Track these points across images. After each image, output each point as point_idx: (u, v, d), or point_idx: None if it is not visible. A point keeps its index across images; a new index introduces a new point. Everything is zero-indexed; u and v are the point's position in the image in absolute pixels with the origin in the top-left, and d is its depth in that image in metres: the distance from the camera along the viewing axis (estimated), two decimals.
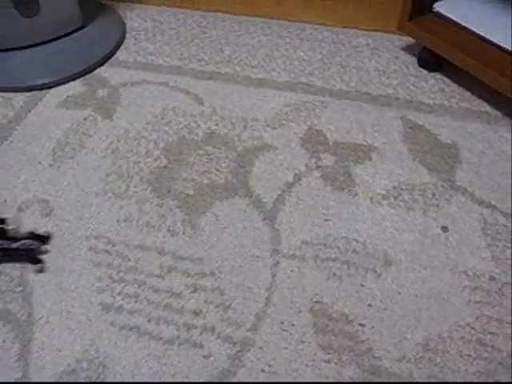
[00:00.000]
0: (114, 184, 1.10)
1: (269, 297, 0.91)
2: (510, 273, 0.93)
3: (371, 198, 1.05)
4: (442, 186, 1.07)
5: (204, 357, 0.84)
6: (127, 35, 1.53)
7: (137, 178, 1.11)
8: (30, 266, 0.96)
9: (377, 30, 1.50)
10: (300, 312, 0.89)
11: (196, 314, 0.89)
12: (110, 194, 1.08)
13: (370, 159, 1.13)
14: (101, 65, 1.42)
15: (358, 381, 0.81)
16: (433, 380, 0.81)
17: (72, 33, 1.47)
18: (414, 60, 1.39)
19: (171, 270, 0.95)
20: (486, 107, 1.24)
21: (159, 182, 1.10)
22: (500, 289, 0.91)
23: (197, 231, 1.01)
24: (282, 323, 0.88)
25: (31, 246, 0.97)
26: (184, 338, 0.86)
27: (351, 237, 0.99)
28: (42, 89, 1.35)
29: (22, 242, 0.96)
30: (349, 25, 1.53)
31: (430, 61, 1.34)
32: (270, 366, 0.83)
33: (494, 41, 1.20)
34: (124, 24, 1.56)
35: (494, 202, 1.04)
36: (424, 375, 0.81)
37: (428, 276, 0.93)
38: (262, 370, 0.82)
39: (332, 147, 1.16)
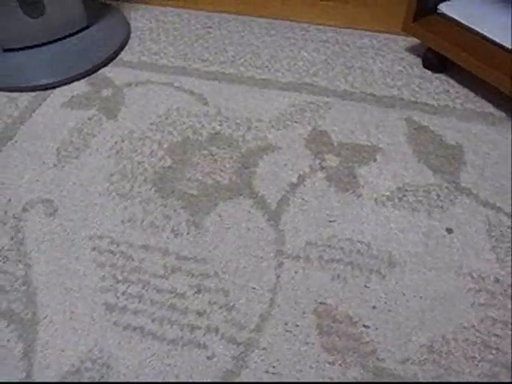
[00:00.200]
0: (118, 184, 1.10)
1: (273, 298, 0.91)
2: None
3: (376, 199, 1.05)
4: (447, 187, 1.07)
5: (208, 357, 0.84)
6: (132, 35, 1.53)
7: (141, 178, 1.11)
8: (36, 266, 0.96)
9: (381, 31, 1.50)
10: (304, 313, 0.89)
11: (200, 314, 0.89)
12: (114, 194, 1.08)
13: (375, 160, 1.13)
14: (105, 65, 1.42)
15: (362, 381, 0.81)
16: (437, 381, 0.81)
17: (77, 33, 1.47)
18: (419, 61, 1.38)
19: (175, 270, 0.95)
20: (491, 108, 1.24)
21: (163, 182, 1.10)
22: (505, 291, 0.91)
23: (201, 232, 1.01)
24: (286, 324, 0.87)
25: None
26: (188, 338, 0.86)
27: (355, 238, 0.99)
28: (46, 89, 1.35)
29: None
30: (353, 25, 1.53)
31: (434, 62, 1.34)
32: (273, 367, 0.83)
33: (499, 42, 1.20)
34: (128, 24, 1.56)
35: (498, 204, 1.04)
36: (428, 377, 0.81)
37: (432, 278, 0.93)
38: (266, 371, 0.82)
39: (336, 148, 1.16)
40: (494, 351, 0.84)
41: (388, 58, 1.40)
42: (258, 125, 1.22)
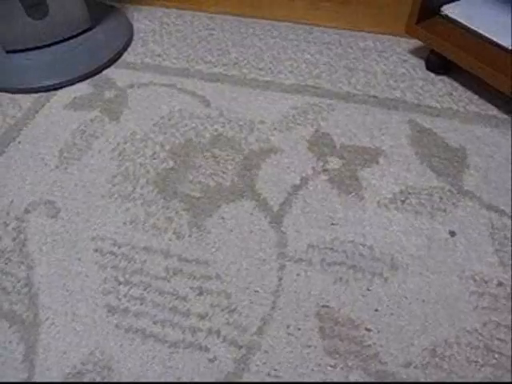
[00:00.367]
0: (121, 186, 1.10)
1: (275, 300, 0.90)
2: None
3: (378, 202, 1.05)
4: (450, 190, 1.06)
5: (209, 360, 0.84)
6: (134, 37, 1.53)
7: (143, 180, 1.11)
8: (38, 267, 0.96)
9: (384, 33, 1.50)
10: (306, 316, 0.88)
11: (201, 317, 0.89)
12: (116, 195, 1.08)
13: (377, 163, 1.13)
14: (108, 66, 1.42)
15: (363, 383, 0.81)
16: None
17: (80, 34, 1.47)
18: (422, 63, 1.38)
19: (177, 272, 0.95)
20: (495, 111, 1.24)
21: (165, 184, 1.10)
22: (508, 294, 0.90)
23: (203, 234, 1.01)
24: (287, 327, 0.87)
25: None
26: (189, 341, 0.86)
27: (358, 241, 0.98)
28: (49, 90, 1.35)
29: None
30: (356, 27, 1.52)
31: (437, 64, 1.34)
32: (275, 370, 0.82)
33: (502, 43, 1.20)
34: (131, 26, 1.57)
35: (502, 207, 1.03)
36: (430, 381, 0.81)
37: (435, 281, 0.92)
38: (268, 374, 0.82)
39: (339, 150, 1.15)
40: (496, 355, 0.83)
41: (391, 60, 1.40)
42: (260, 127, 1.22)
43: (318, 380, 0.81)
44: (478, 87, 1.28)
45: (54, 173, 1.14)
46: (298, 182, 1.09)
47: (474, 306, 0.89)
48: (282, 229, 1.01)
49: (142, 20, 1.60)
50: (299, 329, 0.87)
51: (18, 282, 0.95)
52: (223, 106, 1.28)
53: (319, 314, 0.89)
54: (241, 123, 1.23)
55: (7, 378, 0.83)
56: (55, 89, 1.35)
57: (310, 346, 0.85)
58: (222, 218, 1.03)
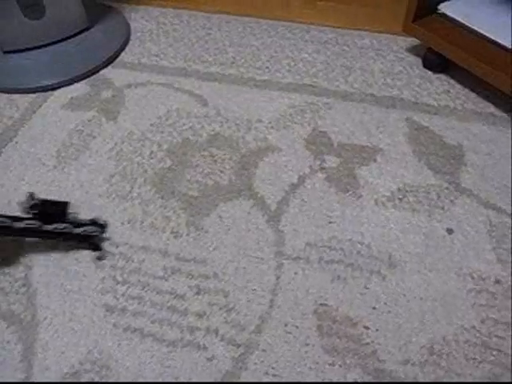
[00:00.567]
0: (118, 185, 1.10)
1: (273, 299, 0.90)
2: None
3: (376, 200, 1.05)
4: (447, 187, 1.07)
5: (207, 359, 0.84)
6: (132, 37, 1.53)
7: (141, 180, 1.11)
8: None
9: (381, 32, 1.50)
10: (304, 314, 0.88)
11: (200, 316, 0.89)
12: (114, 195, 1.08)
13: (375, 161, 1.13)
14: (105, 66, 1.42)
15: (362, 382, 0.81)
16: (437, 381, 0.80)
17: (77, 34, 1.47)
18: (419, 61, 1.38)
19: (175, 271, 0.95)
20: (492, 109, 1.24)
21: (163, 183, 1.10)
22: (506, 292, 0.90)
23: (201, 233, 1.01)
24: (285, 326, 0.87)
25: (93, 233, 0.96)
26: (187, 340, 0.86)
27: (356, 239, 0.98)
28: (46, 90, 1.35)
29: (85, 228, 0.95)
30: (353, 26, 1.53)
31: (434, 62, 1.34)
32: (273, 368, 0.82)
33: (499, 42, 1.20)
34: (128, 25, 1.56)
35: (499, 204, 1.03)
36: (429, 378, 0.81)
37: (433, 278, 0.92)
38: (266, 373, 0.82)
39: (336, 149, 1.15)
40: (494, 352, 0.83)
41: (388, 59, 1.40)
42: (257, 126, 1.22)
43: (316, 378, 0.81)
44: (475, 85, 1.28)
45: (51, 173, 1.14)
46: (295, 180, 1.09)
47: (471, 304, 0.89)
48: (280, 227, 1.01)
49: (139, 20, 1.60)
50: (297, 327, 0.87)
51: (16, 281, 0.95)
52: (220, 105, 1.28)
53: (317, 313, 0.89)
54: (238, 122, 1.23)
55: (5, 377, 0.83)
56: (52, 89, 1.35)
57: (308, 345, 0.85)
58: (220, 216, 1.03)
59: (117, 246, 0.99)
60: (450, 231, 0.99)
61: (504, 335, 0.85)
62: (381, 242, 0.98)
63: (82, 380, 0.82)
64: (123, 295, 0.92)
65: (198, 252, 0.98)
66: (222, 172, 1.11)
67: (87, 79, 1.38)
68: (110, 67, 1.42)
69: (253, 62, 1.41)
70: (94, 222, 0.96)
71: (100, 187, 1.10)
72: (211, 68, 1.40)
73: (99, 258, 0.97)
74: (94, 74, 1.40)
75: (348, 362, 0.83)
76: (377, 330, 0.86)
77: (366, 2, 1.62)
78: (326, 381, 0.81)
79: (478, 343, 0.84)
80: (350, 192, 1.06)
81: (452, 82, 1.32)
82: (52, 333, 0.88)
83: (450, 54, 1.25)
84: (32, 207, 0.92)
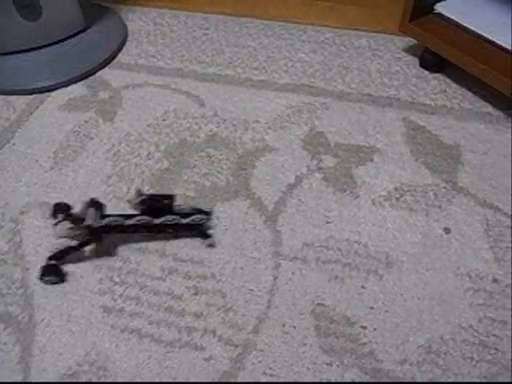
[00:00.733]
0: (116, 186, 1.10)
1: (270, 299, 0.90)
2: None
3: (373, 200, 1.05)
4: (445, 187, 1.07)
5: (205, 359, 0.84)
6: (129, 38, 1.53)
7: (138, 181, 1.11)
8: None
9: (378, 31, 1.50)
10: (301, 314, 0.88)
11: (197, 316, 0.89)
12: (111, 196, 1.08)
13: (372, 161, 1.13)
14: (102, 67, 1.42)
15: (359, 382, 0.81)
16: (435, 381, 0.80)
17: (74, 36, 1.47)
18: (416, 61, 1.38)
19: (172, 272, 0.95)
20: (489, 108, 1.24)
21: (160, 184, 1.10)
22: (503, 291, 0.90)
23: None
24: (283, 326, 0.87)
25: (200, 221, 0.97)
26: (185, 340, 0.86)
27: (353, 239, 0.98)
28: (43, 91, 1.35)
29: (192, 217, 0.96)
30: (350, 26, 1.53)
31: (431, 62, 1.34)
32: (271, 368, 0.82)
33: (495, 41, 1.20)
34: (125, 26, 1.57)
35: (496, 203, 1.03)
36: (426, 378, 0.81)
37: (430, 278, 0.92)
38: (264, 373, 0.82)
39: (333, 149, 1.15)
40: (492, 351, 0.83)
41: (385, 59, 1.40)
42: (255, 126, 1.22)
43: (314, 378, 0.81)
44: (471, 84, 1.28)
45: (48, 174, 1.14)
46: (292, 180, 1.09)
47: (469, 303, 0.89)
48: (277, 227, 1.01)
49: (136, 21, 1.60)
50: (295, 327, 0.87)
51: (14, 283, 0.95)
52: (218, 105, 1.28)
53: (314, 312, 0.89)
54: (235, 123, 1.23)
55: (3, 379, 0.83)
56: (49, 90, 1.35)
57: (305, 344, 0.85)
58: (217, 217, 1.03)
59: (114, 248, 0.99)
60: (447, 230, 0.99)
61: (501, 334, 0.85)
62: (378, 242, 0.98)
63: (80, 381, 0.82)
64: (121, 296, 0.92)
65: (196, 252, 0.98)
66: (219, 172, 1.11)
67: (84, 80, 1.38)
68: (107, 68, 1.42)
69: (250, 63, 1.41)
70: (199, 211, 0.97)
71: (97, 188, 1.10)
72: (208, 69, 1.40)
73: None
74: (91, 75, 1.40)
75: (345, 361, 0.83)
76: (374, 329, 0.86)
77: (362, 2, 1.62)
78: (324, 381, 0.81)
79: (476, 342, 0.84)
80: (348, 192, 1.06)
81: (449, 81, 1.32)
82: (49, 334, 0.88)
83: (447, 53, 1.25)
84: (141, 203, 0.94)
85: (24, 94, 1.35)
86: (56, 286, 0.94)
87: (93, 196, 1.06)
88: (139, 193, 0.95)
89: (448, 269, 0.94)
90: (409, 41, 1.43)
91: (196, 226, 0.98)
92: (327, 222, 1.01)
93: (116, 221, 0.94)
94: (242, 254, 0.97)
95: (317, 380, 0.81)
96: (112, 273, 0.95)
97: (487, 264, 0.94)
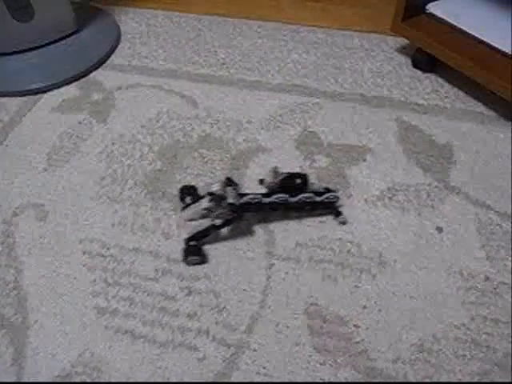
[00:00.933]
0: (109, 188, 1.10)
1: (263, 299, 0.91)
2: (504, 273, 0.93)
3: (366, 199, 1.05)
4: (437, 186, 1.07)
5: (199, 360, 0.84)
6: (122, 39, 1.53)
7: (131, 182, 1.11)
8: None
9: (371, 32, 1.50)
10: (295, 314, 0.89)
11: (190, 316, 0.89)
12: (104, 197, 1.08)
13: (365, 160, 1.13)
14: (95, 68, 1.42)
15: (353, 381, 0.81)
16: (427, 380, 0.81)
17: (67, 37, 1.47)
18: (408, 61, 1.39)
19: (166, 272, 0.95)
20: (481, 107, 1.24)
21: (154, 185, 1.10)
22: (495, 289, 0.91)
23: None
24: (276, 325, 0.87)
25: (333, 200, 1.00)
26: (179, 340, 0.86)
27: (346, 238, 0.99)
28: (36, 93, 1.35)
29: (326, 195, 0.99)
30: (343, 26, 1.53)
31: (423, 61, 1.34)
32: (264, 368, 0.83)
33: (487, 41, 1.21)
34: (118, 28, 1.56)
35: (488, 202, 1.04)
36: (419, 376, 0.81)
37: (423, 277, 0.93)
38: (257, 373, 0.82)
39: (326, 149, 1.16)
40: (484, 349, 0.84)
41: (378, 59, 1.41)
42: (248, 126, 1.22)
43: (307, 377, 0.81)
44: (464, 84, 1.29)
45: (41, 176, 1.13)
46: None
47: (461, 301, 0.89)
48: (270, 227, 1.01)
49: (129, 22, 1.60)
50: (288, 327, 0.87)
51: (7, 285, 0.95)
52: (211, 106, 1.28)
53: (308, 312, 0.89)
54: (228, 123, 1.23)
55: None
56: (42, 92, 1.35)
57: (298, 344, 0.85)
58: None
59: (108, 249, 0.99)
60: (439, 229, 1.00)
61: (493, 332, 0.86)
62: (371, 241, 0.98)
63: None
64: (114, 297, 0.92)
65: None
66: (212, 173, 1.12)
67: (77, 82, 1.38)
68: (100, 69, 1.42)
69: (243, 63, 1.41)
70: (328, 190, 1.00)
71: (91, 189, 1.10)
72: (201, 69, 1.40)
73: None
74: (84, 76, 1.40)
75: (339, 360, 0.83)
76: (367, 328, 0.87)
77: (355, 3, 1.63)
78: (318, 380, 0.81)
79: (468, 340, 0.85)
80: (340, 191, 1.06)
81: (441, 81, 1.33)
82: (43, 336, 0.88)
83: (439, 53, 1.25)
84: (280, 182, 0.96)
85: (17, 96, 1.35)
86: (49, 287, 0.94)
87: (86, 197, 1.06)
88: (276, 171, 0.97)
89: (440, 267, 0.94)
90: (401, 41, 1.43)
91: (329, 204, 1.00)
92: (320, 222, 1.02)
93: (255, 199, 0.96)
94: (235, 254, 0.97)
95: (310, 379, 0.81)
96: (105, 274, 0.95)
97: (479, 262, 0.95)
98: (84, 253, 0.99)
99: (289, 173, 0.99)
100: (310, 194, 0.98)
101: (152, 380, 0.82)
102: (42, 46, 1.43)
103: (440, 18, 1.29)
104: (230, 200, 0.92)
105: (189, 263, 0.95)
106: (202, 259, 0.95)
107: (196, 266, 0.95)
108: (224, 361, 0.84)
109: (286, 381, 0.81)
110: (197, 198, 0.99)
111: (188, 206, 0.99)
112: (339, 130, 1.20)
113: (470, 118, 1.22)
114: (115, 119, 1.26)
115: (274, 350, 0.85)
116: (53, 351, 0.86)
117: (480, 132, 1.18)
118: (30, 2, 1.34)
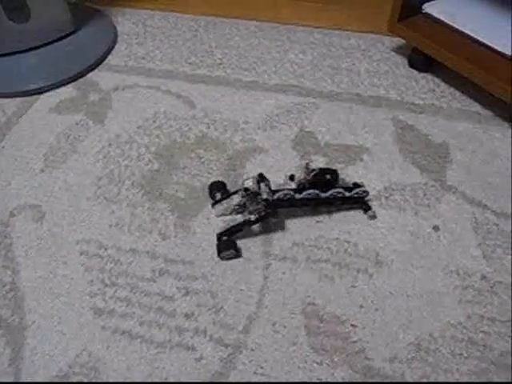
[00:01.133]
0: (106, 188, 1.10)
1: (260, 299, 0.91)
2: (501, 272, 0.93)
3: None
4: (433, 185, 1.07)
5: (196, 360, 0.84)
6: (118, 39, 1.53)
7: (128, 182, 1.11)
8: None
9: (367, 32, 1.51)
10: (292, 314, 0.89)
11: (188, 316, 0.89)
12: (101, 198, 1.08)
13: (361, 160, 1.13)
14: (92, 69, 1.42)
15: (350, 381, 0.81)
16: (425, 380, 0.81)
17: (63, 38, 1.47)
18: (405, 61, 1.39)
19: (163, 273, 0.95)
20: (477, 107, 1.25)
21: (151, 185, 1.10)
22: (491, 287, 0.91)
23: (188, 234, 1.01)
24: (273, 325, 0.88)
25: (362, 195, 1.02)
26: (176, 341, 0.86)
27: (342, 238, 0.99)
28: (33, 94, 1.35)
29: (356, 190, 1.01)
30: (339, 27, 1.53)
31: (420, 61, 1.35)
32: (262, 368, 0.83)
33: (483, 41, 1.21)
34: (115, 28, 1.56)
35: (484, 201, 1.04)
36: (416, 375, 0.81)
37: (419, 276, 0.93)
38: (255, 372, 0.82)
39: (323, 149, 1.16)
40: (481, 348, 0.84)
41: (374, 59, 1.41)
42: (244, 127, 1.22)
43: (305, 377, 0.82)
44: (460, 84, 1.29)
45: (38, 176, 1.13)
46: (282, 181, 1.09)
47: (458, 300, 0.90)
48: (267, 227, 1.01)
49: (125, 23, 1.60)
50: (285, 326, 0.87)
51: (4, 286, 0.95)
52: (207, 106, 1.28)
53: (305, 312, 0.89)
54: (225, 123, 1.23)
55: None
56: (39, 92, 1.35)
57: (296, 344, 0.85)
58: (207, 218, 1.03)
59: (105, 249, 0.99)
60: (436, 229, 1.00)
61: (490, 331, 0.86)
62: (368, 241, 0.98)
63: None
64: (111, 298, 0.92)
65: (186, 253, 0.98)
66: (209, 173, 1.12)
67: (74, 82, 1.38)
68: (96, 70, 1.42)
69: (239, 64, 1.41)
70: (357, 185, 1.02)
71: (88, 190, 1.10)
72: (198, 70, 1.40)
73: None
74: (80, 77, 1.40)
75: (336, 360, 0.83)
76: (364, 327, 0.87)
77: (352, 3, 1.63)
78: (315, 380, 0.81)
79: (465, 339, 0.85)
80: None
81: (437, 80, 1.33)
82: (40, 336, 0.88)
83: (435, 53, 1.26)
84: (314, 177, 0.98)
85: (14, 97, 1.35)
86: (46, 288, 0.94)
87: (83, 198, 1.06)
88: (307, 167, 0.99)
89: (437, 266, 0.94)
90: (398, 41, 1.43)
91: (358, 199, 1.02)
92: (317, 222, 1.02)
93: (287, 194, 0.97)
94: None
95: (307, 379, 0.81)
96: (103, 275, 0.95)
97: (476, 261, 0.95)
98: (81, 253, 0.99)
99: (320, 168, 1.00)
100: (340, 190, 0.99)
101: (149, 380, 0.82)
102: (39, 47, 1.43)
103: (436, 18, 1.29)
104: (264, 196, 0.94)
105: (223, 258, 0.96)
106: (237, 253, 0.96)
107: (194, 267, 0.95)
108: (221, 361, 0.84)
109: (284, 380, 0.81)
110: (227, 193, 1.01)
111: (219, 201, 1.01)
112: (336, 130, 1.20)
113: (466, 118, 1.22)
114: (112, 120, 1.26)
115: (271, 349, 0.85)
116: (50, 352, 0.86)
117: (476, 131, 1.19)
118: (25, 3, 1.33)
